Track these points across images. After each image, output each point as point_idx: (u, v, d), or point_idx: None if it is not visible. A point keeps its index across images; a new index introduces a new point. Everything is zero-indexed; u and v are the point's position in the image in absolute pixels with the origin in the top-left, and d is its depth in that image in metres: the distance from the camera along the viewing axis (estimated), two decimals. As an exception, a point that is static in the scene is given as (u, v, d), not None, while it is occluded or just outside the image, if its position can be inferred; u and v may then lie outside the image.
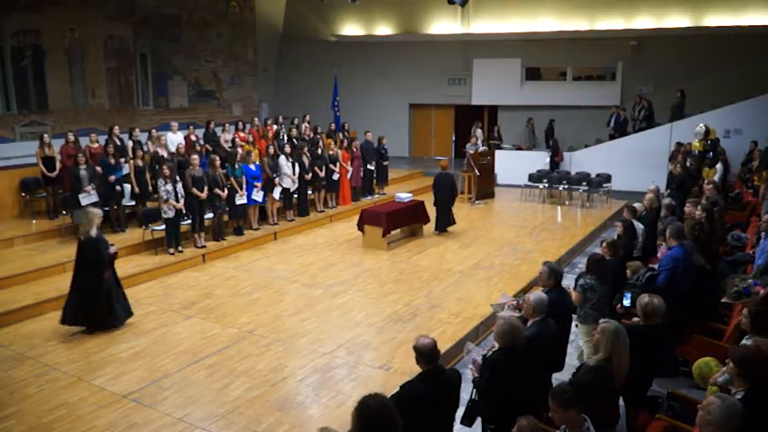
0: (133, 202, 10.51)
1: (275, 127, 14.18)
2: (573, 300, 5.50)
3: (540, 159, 15.61)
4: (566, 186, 14.18)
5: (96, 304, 6.73)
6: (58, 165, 10.27)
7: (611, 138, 15.74)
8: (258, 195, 10.67)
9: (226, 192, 10.00)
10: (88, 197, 9.40)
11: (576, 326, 5.75)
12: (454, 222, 11.29)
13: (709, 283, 6.36)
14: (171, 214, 9.13)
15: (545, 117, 17.62)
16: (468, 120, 17.87)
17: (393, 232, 10.45)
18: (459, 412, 4.10)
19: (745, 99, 14.08)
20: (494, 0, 17.76)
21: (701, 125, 13.13)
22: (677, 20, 15.94)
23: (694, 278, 5.87)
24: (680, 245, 5.99)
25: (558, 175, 14.44)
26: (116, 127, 11.00)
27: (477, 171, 13.82)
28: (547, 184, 14.36)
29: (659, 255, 6.74)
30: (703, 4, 15.60)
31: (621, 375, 4.06)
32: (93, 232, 6.77)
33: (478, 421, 4.27)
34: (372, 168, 13.85)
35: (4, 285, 7.81)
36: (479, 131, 16.30)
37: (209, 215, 9.99)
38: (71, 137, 10.45)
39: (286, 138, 13.45)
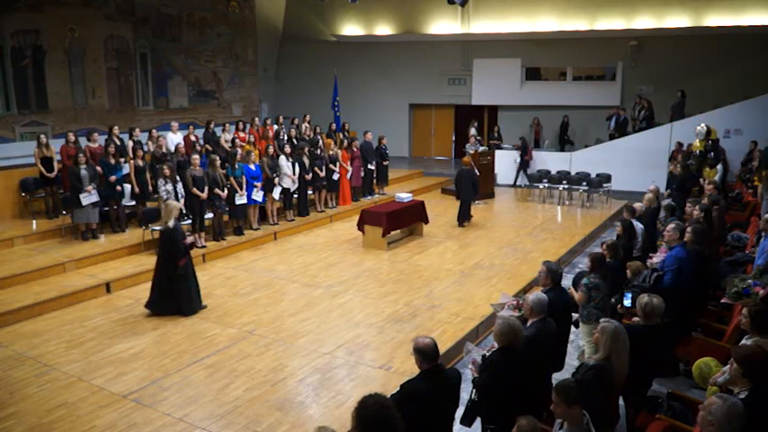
0: (133, 202, 10.52)
1: (275, 127, 14.18)
2: (577, 299, 5.50)
3: (540, 159, 15.63)
4: (566, 186, 14.18)
5: (172, 290, 7.21)
6: (56, 165, 10.26)
7: (611, 138, 15.74)
8: (258, 195, 10.67)
9: (226, 192, 10.00)
10: (89, 197, 9.39)
11: (577, 326, 5.75)
12: (471, 216, 11.97)
13: (709, 272, 6.42)
14: (171, 214, 9.12)
15: (546, 117, 17.64)
16: (469, 120, 17.86)
17: (393, 232, 10.45)
18: (459, 412, 4.10)
19: (745, 99, 14.08)
20: (494, 0, 17.76)
21: (702, 125, 13.14)
22: (677, 20, 15.94)
23: (697, 267, 5.93)
24: (682, 245, 6.00)
25: (559, 175, 14.46)
26: (116, 127, 10.99)
27: (476, 171, 13.79)
28: (547, 184, 14.37)
29: (658, 254, 6.74)
30: (703, 4, 15.60)
31: (620, 375, 4.06)
32: (171, 223, 7.17)
33: (478, 421, 4.28)
34: (372, 168, 13.86)
35: (4, 285, 7.80)
36: (473, 130, 16.33)
37: (210, 215, 9.99)
38: (71, 137, 10.45)
39: (286, 138, 13.45)
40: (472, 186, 11.83)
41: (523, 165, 15.60)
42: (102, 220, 9.99)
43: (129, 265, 8.87)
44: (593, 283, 5.44)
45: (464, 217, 11.81)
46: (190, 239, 7.36)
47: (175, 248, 7.13)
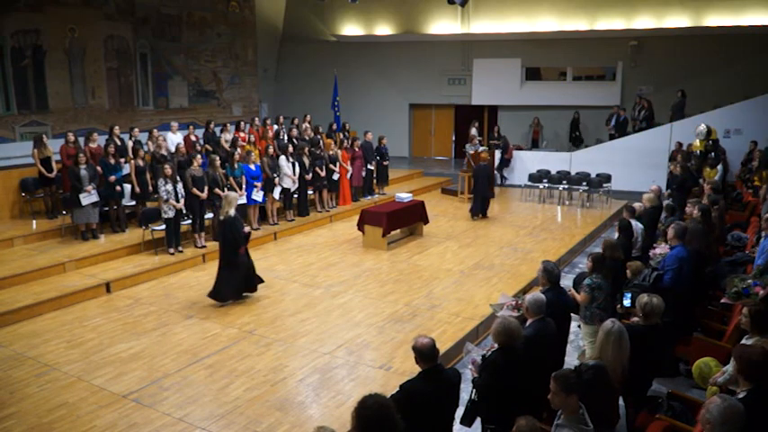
0: (133, 202, 10.51)
1: (275, 127, 14.18)
2: (579, 300, 5.48)
3: (540, 159, 15.64)
4: (566, 186, 14.18)
5: (233, 276, 7.57)
6: (54, 166, 10.24)
7: (611, 138, 15.74)
8: (258, 195, 10.67)
9: (225, 192, 9.99)
10: (89, 197, 9.39)
11: (579, 326, 5.74)
12: (486, 211, 12.53)
13: (707, 272, 6.41)
14: (171, 214, 9.14)
15: (546, 117, 17.64)
16: (469, 120, 17.87)
17: (393, 232, 10.45)
18: (459, 412, 4.10)
19: (745, 99, 14.08)
20: (494, 0, 17.76)
21: (703, 125, 13.13)
22: (677, 20, 15.94)
23: (696, 267, 5.95)
24: (682, 244, 6.00)
25: (559, 175, 14.46)
26: (116, 127, 10.99)
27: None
28: (547, 184, 14.37)
29: (661, 246, 6.73)
30: (703, 4, 15.60)
31: (613, 374, 4.06)
32: (232, 212, 7.50)
33: (478, 421, 4.28)
34: (372, 168, 13.86)
35: (4, 285, 7.80)
36: (474, 130, 16.35)
37: (210, 215, 9.99)
38: (71, 137, 10.44)
39: (286, 138, 13.45)
40: (487, 182, 12.25)
41: (503, 163, 15.74)
42: (102, 220, 9.99)
43: (129, 265, 8.87)
44: (596, 283, 5.42)
45: (477, 210, 12.30)
46: (247, 228, 7.73)
47: (237, 236, 7.46)
